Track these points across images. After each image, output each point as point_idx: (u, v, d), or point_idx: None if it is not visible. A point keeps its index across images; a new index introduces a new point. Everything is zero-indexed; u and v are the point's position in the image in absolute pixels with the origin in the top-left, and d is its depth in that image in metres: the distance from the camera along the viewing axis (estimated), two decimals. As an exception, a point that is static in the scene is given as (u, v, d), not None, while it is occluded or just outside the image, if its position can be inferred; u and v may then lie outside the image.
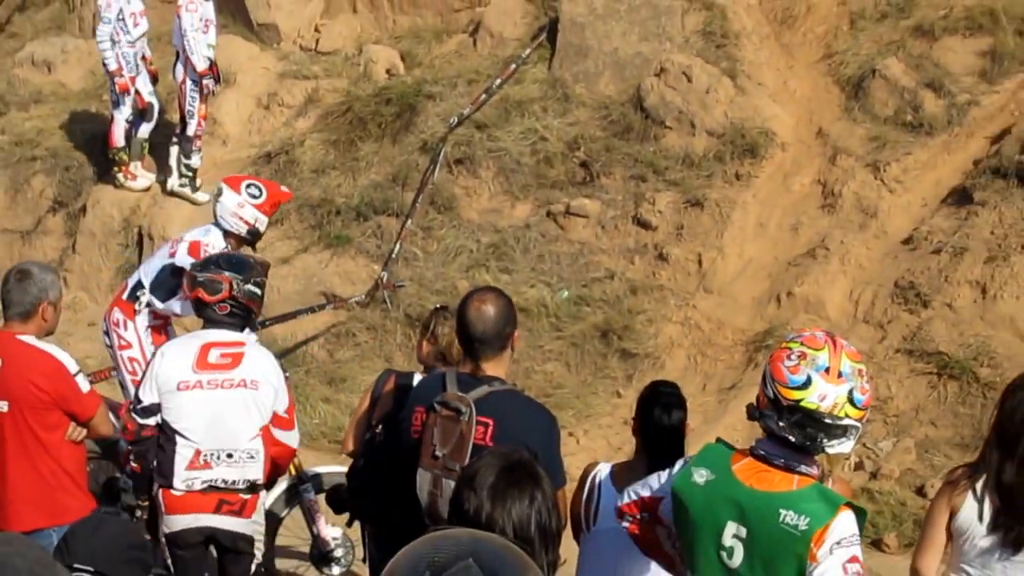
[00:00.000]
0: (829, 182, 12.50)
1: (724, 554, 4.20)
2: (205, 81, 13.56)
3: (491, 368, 5.26)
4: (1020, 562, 5.01)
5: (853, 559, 4.00)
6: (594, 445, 10.58)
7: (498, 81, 13.80)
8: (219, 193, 9.00)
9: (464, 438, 5.03)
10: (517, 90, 13.82)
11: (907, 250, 11.78)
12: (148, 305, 8.73)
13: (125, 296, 8.77)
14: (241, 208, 8.82)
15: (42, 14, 17.77)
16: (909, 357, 11.05)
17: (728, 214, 12.41)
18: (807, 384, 4.05)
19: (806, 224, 12.35)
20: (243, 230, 8.88)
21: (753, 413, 4.30)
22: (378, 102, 14.22)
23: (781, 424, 4.10)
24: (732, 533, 4.17)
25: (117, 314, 8.68)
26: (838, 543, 3.99)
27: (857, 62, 13.15)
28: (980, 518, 5.06)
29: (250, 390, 6.09)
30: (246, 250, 8.72)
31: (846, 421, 4.07)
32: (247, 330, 6.49)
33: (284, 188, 9.76)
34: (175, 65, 13.70)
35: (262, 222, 8.99)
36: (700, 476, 4.26)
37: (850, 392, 4.05)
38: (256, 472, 6.16)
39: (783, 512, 4.05)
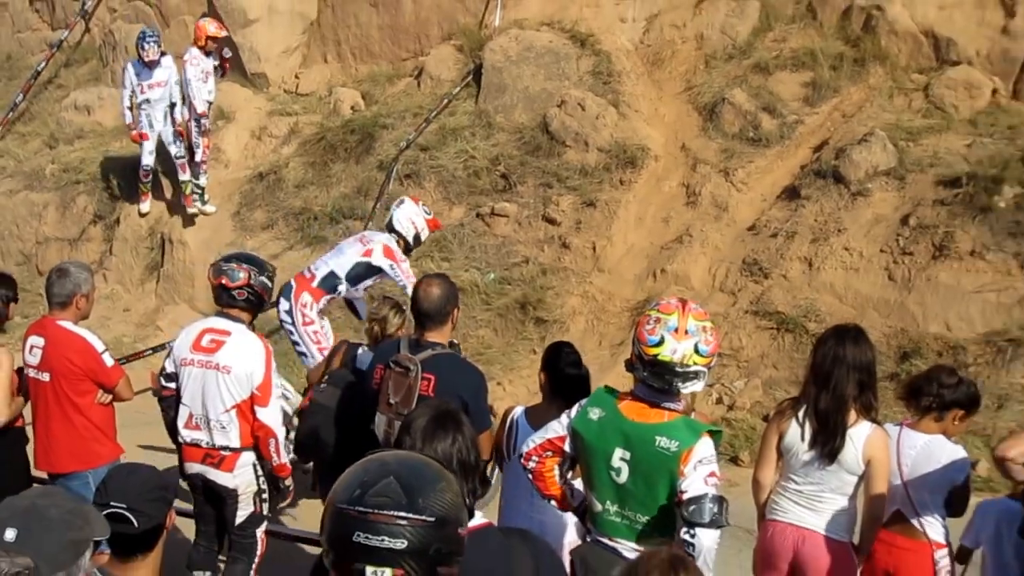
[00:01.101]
0: (691, 184, 12.49)
1: (613, 473, 4.30)
2: (203, 121, 13.36)
3: (435, 336, 5.41)
4: (833, 471, 5.11)
5: (712, 474, 4.14)
6: (516, 392, 10.58)
7: (436, 113, 13.70)
8: (401, 202, 8.84)
9: (411, 390, 5.19)
10: (451, 120, 13.74)
11: (751, 235, 11.82)
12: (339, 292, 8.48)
13: (315, 284, 8.36)
14: (416, 216, 8.67)
15: (82, 69, 17.46)
16: (755, 316, 11.09)
17: (615, 211, 12.38)
18: (661, 342, 4.17)
19: (674, 217, 12.34)
20: (411, 234, 8.64)
21: (628, 367, 4.43)
22: (345, 132, 14.09)
23: (646, 374, 4.25)
24: (620, 456, 4.27)
25: (306, 297, 8.32)
26: (700, 461, 4.14)
27: (711, 93, 13.14)
28: (802, 438, 5.17)
29: (222, 373, 5.86)
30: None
31: (694, 368, 4.21)
32: (251, 318, 6.15)
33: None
34: (173, 108, 13.44)
35: (424, 232, 8.78)
36: (594, 414, 4.37)
37: (695, 345, 4.18)
38: (226, 439, 5.96)
39: (658, 438, 4.19)
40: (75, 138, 15.84)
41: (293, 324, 8.38)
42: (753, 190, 12.22)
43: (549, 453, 4.47)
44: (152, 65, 12.88)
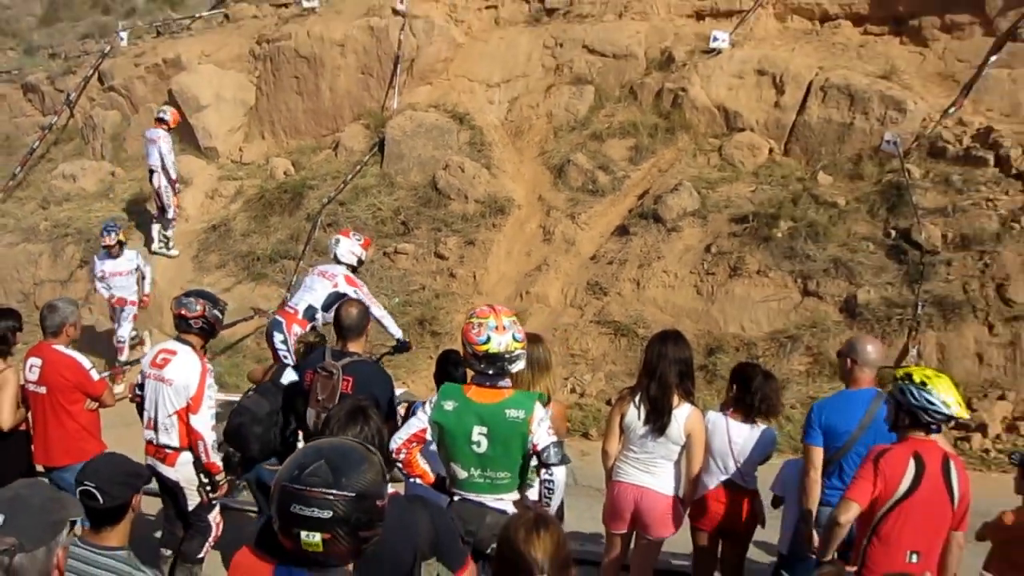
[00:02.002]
0: (547, 226, 12.51)
1: (475, 446, 4.34)
2: (177, 184, 13.45)
3: (353, 346, 5.52)
4: (662, 442, 5.19)
5: (549, 428, 4.33)
6: (418, 388, 10.43)
7: (350, 176, 13.62)
8: (337, 242, 8.68)
9: (335, 389, 5.26)
10: (362, 181, 13.62)
11: (593, 263, 11.86)
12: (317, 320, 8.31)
13: (300, 316, 8.21)
14: (353, 246, 8.63)
15: (68, 146, 17.08)
16: (598, 325, 11.14)
17: (489, 248, 12.39)
18: (488, 339, 4.29)
19: (534, 251, 12.36)
20: (354, 261, 8.63)
21: (465, 363, 4.58)
22: (279, 192, 13.93)
23: (481, 365, 4.35)
24: (478, 432, 4.32)
25: (296, 328, 8.10)
26: (540, 420, 4.30)
27: (559, 156, 13.15)
28: (639, 417, 5.20)
29: (165, 385, 5.81)
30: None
31: (516, 352, 4.35)
32: (203, 342, 6.05)
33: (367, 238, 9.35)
34: (151, 176, 13.28)
35: (364, 255, 8.82)
36: (448, 405, 4.40)
37: (513, 335, 4.33)
38: (169, 439, 5.89)
39: (507, 411, 4.30)
40: (63, 200, 15.51)
41: (288, 350, 8.09)
42: (593, 229, 12.25)
43: (415, 444, 4.48)
44: (114, 253, 11.61)
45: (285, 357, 8.09)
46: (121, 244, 11.70)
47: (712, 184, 11.93)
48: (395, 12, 14.83)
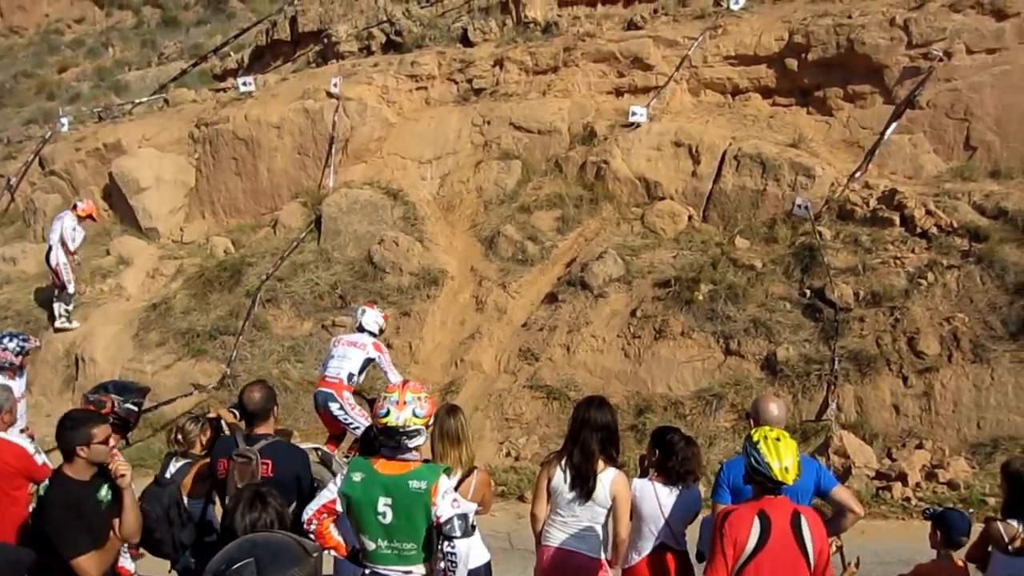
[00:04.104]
0: (479, 296, 12.40)
1: (380, 517, 4.26)
2: (76, 257, 13.49)
3: (262, 428, 5.22)
4: (589, 506, 5.07)
5: (455, 500, 4.24)
6: None
7: (288, 252, 13.41)
8: (363, 312, 9.54)
9: (254, 474, 4.97)
10: (300, 257, 13.44)
11: (525, 330, 11.75)
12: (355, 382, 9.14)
13: (345, 383, 8.95)
14: (377, 317, 9.56)
15: (9, 229, 16.69)
16: (531, 390, 11.01)
17: (424, 318, 12.25)
18: (388, 413, 4.24)
19: (468, 320, 12.22)
20: (376, 329, 9.44)
21: (374, 435, 4.55)
22: (219, 270, 13.66)
23: (382, 438, 4.31)
24: (383, 503, 4.25)
25: (346, 394, 8.93)
26: (445, 492, 4.23)
27: (490, 228, 13.14)
28: (564, 481, 5.07)
29: None
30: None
31: (414, 427, 4.27)
32: (120, 437, 5.66)
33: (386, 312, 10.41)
34: (48, 254, 13.26)
35: (383, 324, 9.68)
36: (356, 477, 4.32)
37: (413, 411, 4.25)
38: None
39: (411, 482, 4.22)
40: (3, 283, 15.08)
41: (347, 413, 8.89)
42: (524, 297, 12.19)
43: (325, 515, 4.39)
44: (15, 372, 8.40)
45: (349, 423, 8.96)
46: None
47: (636, 251, 11.95)
48: (329, 95, 14.82)
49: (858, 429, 9.55)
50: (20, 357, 8.41)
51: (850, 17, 12.91)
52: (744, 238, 11.74)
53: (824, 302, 10.48)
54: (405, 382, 4.43)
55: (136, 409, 5.73)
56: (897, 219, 11.02)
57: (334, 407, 8.91)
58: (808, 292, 10.71)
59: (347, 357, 9.04)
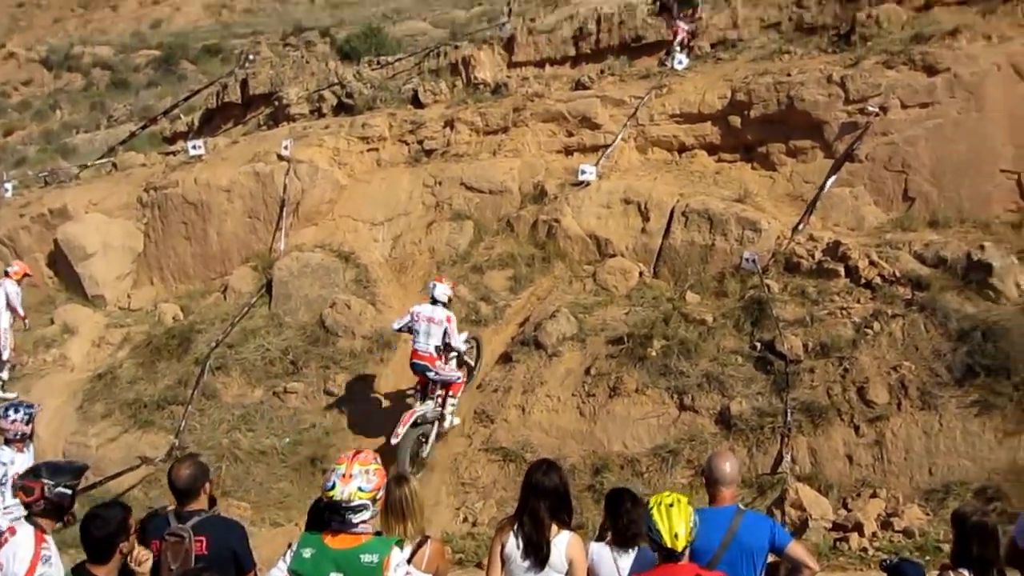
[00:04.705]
0: (434, 357, 12.29)
1: None
2: (27, 322, 13.44)
3: (195, 505, 5.12)
4: (545, 572, 5.01)
5: (407, 573, 4.19)
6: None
7: (238, 318, 13.30)
8: (435, 286, 10.95)
9: (188, 553, 4.87)
10: (251, 323, 13.32)
11: (479, 391, 11.68)
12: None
13: (435, 354, 10.70)
14: (447, 289, 11.02)
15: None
16: (487, 452, 10.92)
17: (378, 382, 12.17)
18: (333, 487, 4.17)
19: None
20: (446, 299, 10.92)
21: (320, 505, 4.44)
22: (167, 337, 13.50)
23: (327, 513, 4.24)
24: None
25: (439, 364, 10.76)
26: (397, 565, 4.16)
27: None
28: (518, 548, 5.03)
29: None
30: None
31: (358, 502, 4.15)
32: (55, 521, 5.38)
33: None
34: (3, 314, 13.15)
35: (452, 294, 11.19)
36: (307, 553, 4.23)
37: (358, 486, 4.16)
38: None
39: (362, 556, 4.15)
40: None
41: (440, 375, 10.77)
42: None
43: None
44: (24, 443, 8.09)
45: (447, 379, 10.84)
46: None
47: (588, 309, 11.99)
48: (280, 158, 14.87)
49: (813, 480, 9.59)
50: (30, 425, 7.87)
51: (789, 75, 13.29)
52: (695, 293, 11.86)
53: (775, 354, 10.57)
54: (356, 452, 4.36)
55: (70, 492, 5.46)
56: (842, 270, 11.22)
57: (430, 374, 10.75)
58: (759, 345, 10.81)
59: (430, 333, 10.66)
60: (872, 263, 11.06)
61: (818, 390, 10.13)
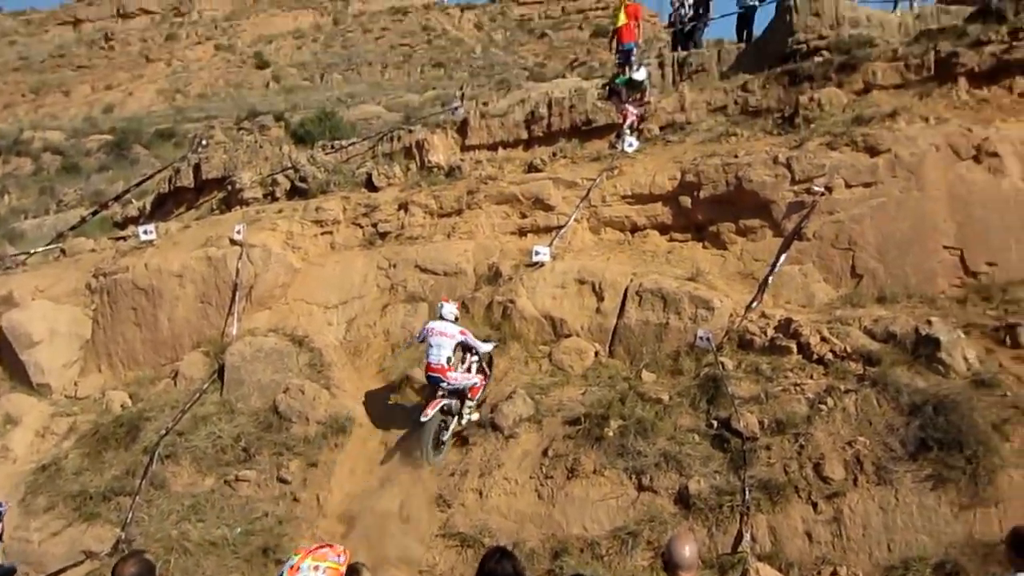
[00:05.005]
0: (388, 443, 12.16)
1: None
2: None
3: None
4: None
5: None
6: None
7: (189, 405, 12.97)
8: (442, 306, 11.96)
9: None
10: (202, 409, 12.98)
11: (436, 476, 11.44)
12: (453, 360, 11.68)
13: (447, 365, 11.52)
14: (453, 308, 12.07)
15: None
16: (444, 538, 10.70)
17: (332, 468, 11.89)
18: None
19: (376, 469, 11.89)
20: (453, 317, 11.89)
21: None
22: (115, 426, 13.08)
23: None
24: None
25: (450, 374, 11.56)
26: None
27: (397, 372, 13.07)
28: None
29: None
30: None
31: None
32: None
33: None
34: None
35: (457, 312, 12.14)
36: None
37: None
38: None
39: None
40: None
41: (454, 384, 11.53)
42: (435, 441, 11.99)
43: None
44: None
45: (462, 386, 11.66)
46: None
47: (544, 389, 11.97)
48: (232, 242, 14.81)
49: (774, 559, 9.54)
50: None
51: (736, 156, 13.67)
52: (650, 372, 11.91)
53: (731, 432, 10.62)
54: (320, 547, 4.32)
55: None
56: (794, 347, 11.38)
57: (444, 385, 11.43)
58: (715, 423, 10.86)
59: (442, 346, 11.45)
60: (824, 339, 11.24)
61: (775, 467, 10.16)
